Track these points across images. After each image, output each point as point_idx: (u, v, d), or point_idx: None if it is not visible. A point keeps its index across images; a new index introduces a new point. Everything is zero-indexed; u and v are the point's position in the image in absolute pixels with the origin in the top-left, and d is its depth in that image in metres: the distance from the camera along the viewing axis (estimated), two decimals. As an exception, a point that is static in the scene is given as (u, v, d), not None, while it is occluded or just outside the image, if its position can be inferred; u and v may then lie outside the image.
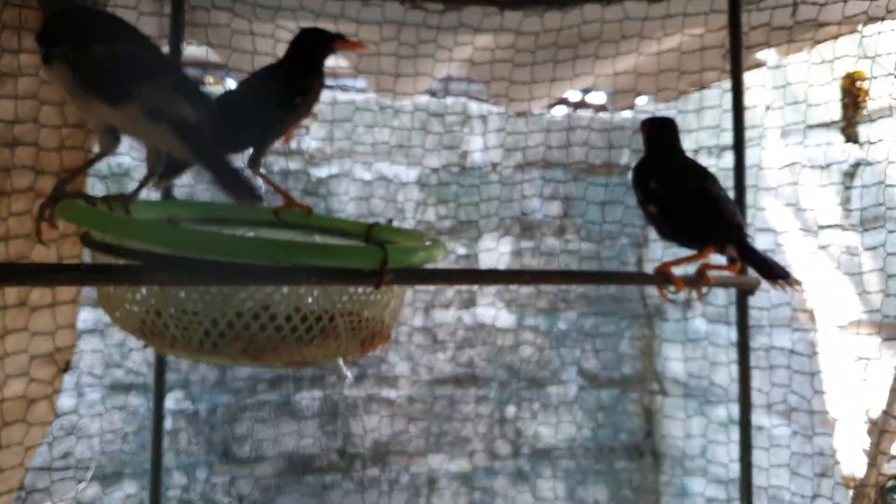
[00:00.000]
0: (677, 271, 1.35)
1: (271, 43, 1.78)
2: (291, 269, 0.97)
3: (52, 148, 1.41)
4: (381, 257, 1.00)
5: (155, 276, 0.90)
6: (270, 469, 2.66)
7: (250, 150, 1.36)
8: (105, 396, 2.42)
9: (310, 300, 1.08)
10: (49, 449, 2.09)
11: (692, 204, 1.34)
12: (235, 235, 1.30)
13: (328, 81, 2.44)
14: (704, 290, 1.38)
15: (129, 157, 2.24)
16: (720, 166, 2.25)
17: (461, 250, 2.71)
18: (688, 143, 2.46)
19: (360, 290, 1.09)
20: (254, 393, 2.65)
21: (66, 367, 1.51)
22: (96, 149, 1.15)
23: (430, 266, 1.14)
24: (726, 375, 2.19)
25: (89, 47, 1.04)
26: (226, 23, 1.72)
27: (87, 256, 1.40)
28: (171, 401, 2.51)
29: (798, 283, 1.22)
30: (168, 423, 2.48)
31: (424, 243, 1.18)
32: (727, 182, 1.52)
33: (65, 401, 2.12)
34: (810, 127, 1.99)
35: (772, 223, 2.13)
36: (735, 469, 1.71)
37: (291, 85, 1.34)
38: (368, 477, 2.75)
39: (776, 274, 1.22)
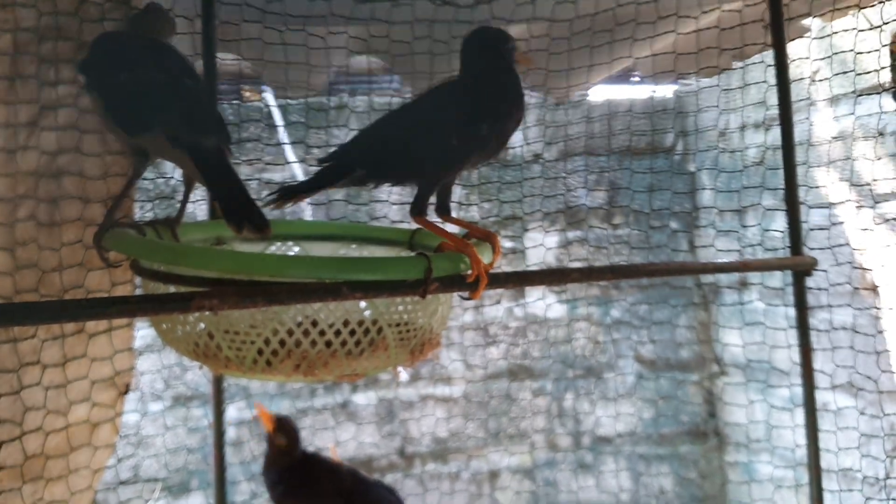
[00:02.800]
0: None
1: (303, 51, 1.78)
2: (336, 284, 0.96)
3: (96, 176, 1.43)
4: (425, 267, 0.99)
5: (205, 302, 0.90)
6: (333, 472, 2.68)
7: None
8: (167, 411, 2.47)
9: (356, 313, 1.08)
10: (116, 466, 2.14)
11: None
12: (281, 255, 1.31)
13: (362, 81, 2.44)
14: None
15: (175, 177, 2.27)
16: (768, 142, 2.19)
17: (507, 244, 2.69)
18: (733, 120, 2.42)
19: (407, 300, 1.09)
20: (312, 397, 2.68)
21: (127, 390, 1.54)
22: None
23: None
24: (787, 357, 2.13)
25: (114, 76, 1.06)
26: (257, 35, 1.73)
27: (138, 280, 1.42)
28: (233, 410, 2.54)
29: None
30: (231, 433, 2.52)
31: (469, 247, 1.16)
32: (776, 158, 1.47)
33: (129, 417, 2.16)
34: (860, 94, 1.92)
35: (826, 197, 2.07)
36: (802, 451, 1.67)
37: (474, 108, 1.06)
38: (429, 474, 2.75)
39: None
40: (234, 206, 0.94)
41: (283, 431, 1.75)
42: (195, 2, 1.59)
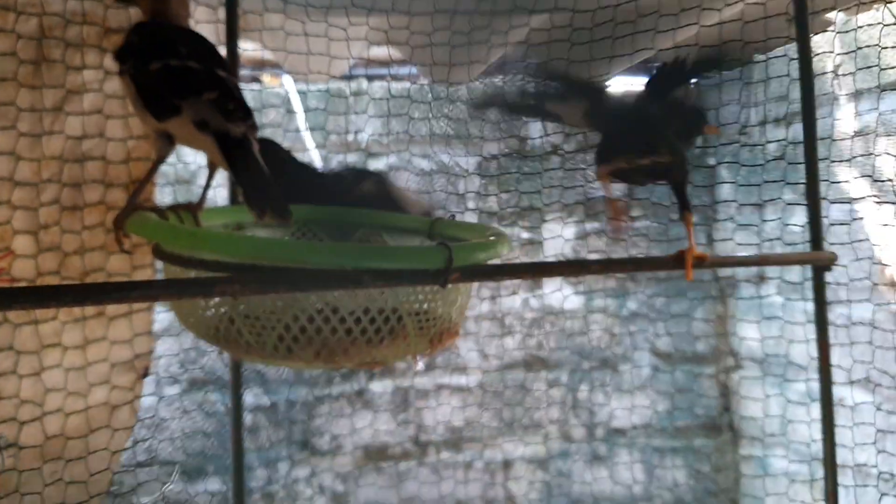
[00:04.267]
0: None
1: (324, 42, 1.78)
2: (358, 272, 0.97)
3: (119, 161, 1.45)
4: (446, 257, 1.00)
5: (227, 288, 0.91)
6: (349, 460, 2.70)
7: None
8: (183, 394, 2.49)
9: (377, 301, 1.08)
10: (134, 448, 2.16)
11: None
12: (302, 241, 1.32)
13: (380, 70, 2.44)
14: None
15: (195, 162, 2.28)
16: (790, 137, 2.18)
17: (525, 235, 2.69)
18: (754, 114, 2.40)
19: (427, 289, 1.09)
20: (329, 385, 2.69)
21: (145, 373, 1.56)
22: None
23: (494, 261, 1.13)
24: (804, 351, 2.13)
25: (147, 63, 1.07)
26: (279, 25, 1.73)
27: (158, 264, 1.44)
28: (250, 396, 2.56)
29: None
30: (247, 419, 2.54)
31: (488, 238, 1.17)
32: (797, 153, 1.46)
33: (145, 400, 2.18)
34: (883, 90, 1.90)
35: (847, 193, 2.05)
36: (817, 446, 1.67)
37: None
38: (443, 463, 2.77)
39: None
40: (257, 193, 0.95)
41: None
42: (218, -10, 1.60)
